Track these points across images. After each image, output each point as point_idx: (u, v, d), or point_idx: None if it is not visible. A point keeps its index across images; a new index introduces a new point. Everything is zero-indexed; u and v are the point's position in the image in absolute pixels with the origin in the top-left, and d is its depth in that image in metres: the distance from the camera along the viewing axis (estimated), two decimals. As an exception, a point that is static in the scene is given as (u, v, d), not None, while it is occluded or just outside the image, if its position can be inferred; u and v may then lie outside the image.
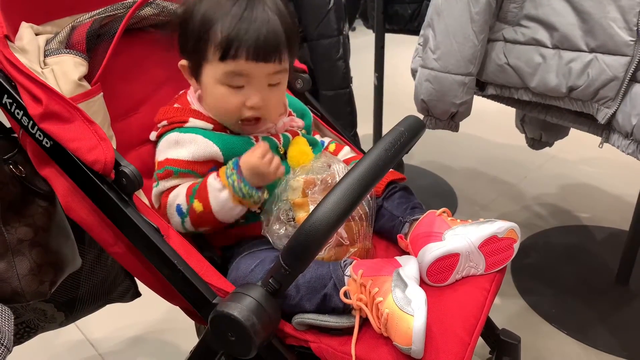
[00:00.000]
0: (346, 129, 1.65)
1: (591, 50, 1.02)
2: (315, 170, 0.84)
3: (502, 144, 2.52)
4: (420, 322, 0.65)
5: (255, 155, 0.79)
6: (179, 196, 0.81)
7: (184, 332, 1.50)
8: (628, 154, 1.02)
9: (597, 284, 1.63)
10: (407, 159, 2.50)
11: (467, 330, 0.73)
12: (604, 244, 1.83)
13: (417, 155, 2.42)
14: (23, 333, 1.02)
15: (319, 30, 1.48)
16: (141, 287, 1.18)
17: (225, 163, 0.84)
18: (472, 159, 2.42)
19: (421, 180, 2.26)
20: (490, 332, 1.06)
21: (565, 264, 1.72)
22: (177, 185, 0.83)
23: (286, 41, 0.82)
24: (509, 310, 1.54)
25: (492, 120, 2.66)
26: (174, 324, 1.52)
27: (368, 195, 0.87)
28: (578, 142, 2.24)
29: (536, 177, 2.26)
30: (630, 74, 0.99)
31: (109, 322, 1.52)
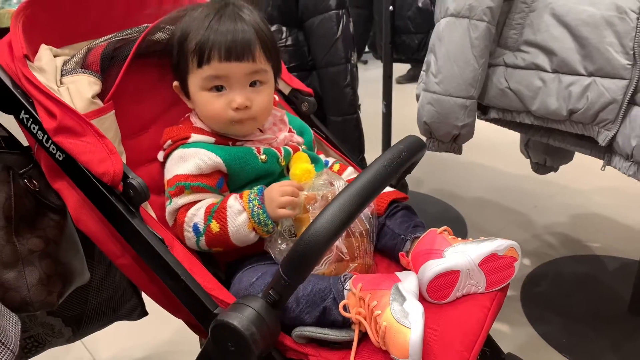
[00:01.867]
0: (354, 154, 1.68)
1: (590, 74, 1.04)
2: (317, 187, 0.86)
3: (513, 174, 2.52)
4: (417, 335, 0.65)
5: (283, 186, 0.82)
6: (196, 215, 0.83)
7: (191, 354, 1.50)
8: (629, 175, 1.03)
9: (609, 314, 1.60)
10: (417, 186, 2.52)
11: (466, 346, 0.73)
12: (615, 274, 1.80)
13: (427, 183, 2.43)
14: (31, 347, 1.03)
15: (327, 58, 1.53)
16: (149, 309, 1.19)
17: (229, 174, 0.86)
18: (482, 188, 2.42)
19: (431, 208, 2.26)
20: (495, 355, 1.04)
21: (576, 294, 1.69)
22: (191, 203, 0.84)
23: (258, 40, 0.86)
24: (518, 339, 1.52)
25: (504, 150, 2.67)
26: (181, 347, 1.52)
27: (369, 213, 0.89)
28: (589, 172, 2.23)
29: (547, 207, 2.24)
30: (628, 96, 1.00)
31: (116, 342, 1.53)
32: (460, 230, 2.08)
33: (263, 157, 0.89)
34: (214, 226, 0.82)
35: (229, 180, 0.88)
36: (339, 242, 0.83)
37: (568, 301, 1.66)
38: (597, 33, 0.99)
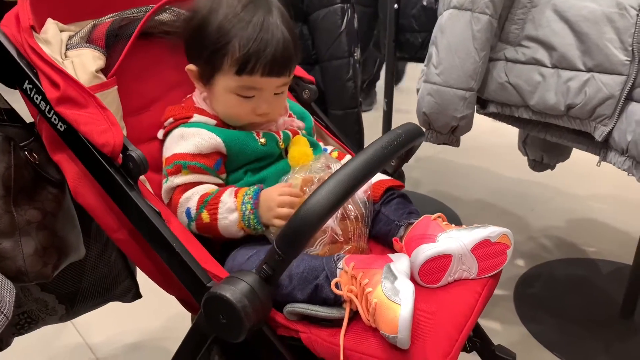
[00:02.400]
0: (353, 148, 1.69)
1: (588, 70, 1.05)
2: (314, 170, 0.87)
3: (512, 178, 2.53)
4: (406, 311, 0.66)
5: (282, 195, 0.82)
6: (190, 200, 0.84)
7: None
8: (624, 170, 1.04)
9: (601, 316, 1.61)
10: (415, 187, 2.53)
11: (456, 328, 0.74)
12: (608, 277, 1.81)
13: (425, 185, 2.44)
14: (24, 324, 1.04)
15: (330, 51, 1.54)
16: (143, 293, 1.20)
17: (228, 155, 0.87)
18: (480, 191, 2.43)
19: (428, 209, 2.23)
20: (486, 347, 1.05)
21: (569, 295, 1.70)
22: (187, 184, 0.85)
23: (295, 54, 0.87)
24: (510, 337, 1.52)
25: (502, 154, 2.68)
26: (174, 333, 1.51)
27: (365, 198, 0.90)
28: (587, 177, 2.25)
29: (543, 210, 2.25)
30: (626, 92, 1.02)
31: (108, 327, 1.53)
32: (457, 231, 2.08)
33: (262, 140, 0.90)
34: (205, 216, 0.83)
35: (227, 162, 0.89)
36: (334, 224, 0.84)
37: (561, 302, 1.66)
38: (597, 29, 1.01)
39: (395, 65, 1.87)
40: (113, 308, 1.19)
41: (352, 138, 1.62)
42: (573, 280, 1.78)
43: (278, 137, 0.92)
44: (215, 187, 0.86)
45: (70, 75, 0.76)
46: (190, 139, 0.86)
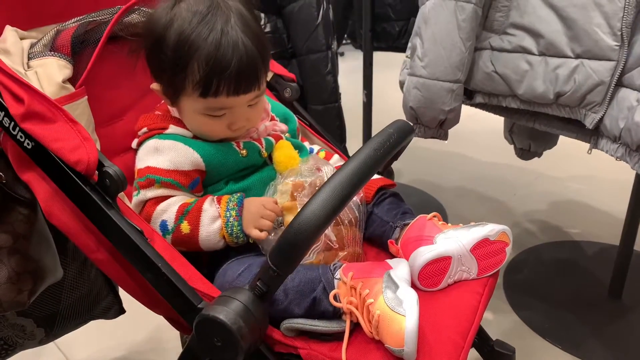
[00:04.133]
0: (336, 144, 1.66)
1: (577, 56, 1.03)
2: (304, 174, 0.83)
3: (491, 163, 2.53)
4: (412, 322, 0.63)
5: (266, 208, 0.78)
6: (166, 212, 0.79)
7: (169, 352, 1.46)
8: (617, 157, 1.02)
9: (590, 298, 1.62)
10: (397, 176, 2.49)
11: (461, 334, 0.71)
12: (595, 259, 1.82)
13: (407, 174, 2.42)
14: (0, 350, 0.98)
15: (307, 45, 1.50)
16: (126, 306, 1.15)
17: (207, 171, 0.83)
18: (461, 178, 2.42)
19: (411, 198, 2.25)
20: (484, 343, 1.04)
21: (557, 279, 1.71)
22: (160, 197, 0.80)
23: (262, 64, 0.80)
24: (502, 325, 1.52)
25: (480, 140, 2.69)
26: (159, 344, 1.47)
27: (358, 200, 0.86)
28: (566, 160, 2.26)
29: (525, 195, 2.26)
30: (616, 78, 1.00)
31: (92, 342, 1.47)
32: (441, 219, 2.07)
33: (244, 152, 0.85)
34: (185, 227, 0.78)
35: (206, 176, 0.84)
36: (328, 230, 0.80)
37: (550, 287, 1.67)
38: (584, 14, 0.98)
39: (372, 56, 1.83)
40: (95, 323, 1.14)
41: (333, 133, 1.58)
42: (560, 263, 1.80)
43: (260, 145, 0.87)
44: (193, 198, 0.82)
45: (34, 88, 0.70)
46: (165, 153, 0.81)
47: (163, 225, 0.79)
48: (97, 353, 1.46)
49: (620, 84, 1.01)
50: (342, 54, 4.56)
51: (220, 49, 0.75)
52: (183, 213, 0.78)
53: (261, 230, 0.78)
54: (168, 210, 0.79)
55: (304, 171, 0.83)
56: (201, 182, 0.84)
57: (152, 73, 0.84)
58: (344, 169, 0.66)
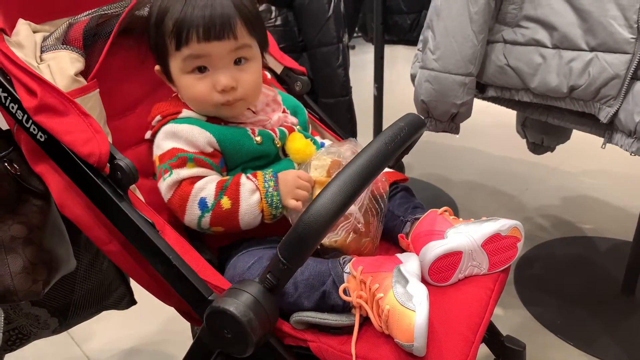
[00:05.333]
0: (346, 137, 1.65)
1: (591, 49, 1.01)
2: (342, 155, 0.83)
3: (503, 157, 2.51)
4: (422, 318, 0.63)
5: (301, 179, 0.80)
6: (204, 189, 0.78)
7: (181, 343, 1.46)
8: (632, 152, 1.01)
9: (602, 295, 1.60)
10: (407, 170, 2.49)
11: (471, 329, 0.71)
12: (607, 255, 1.80)
13: (418, 168, 2.41)
14: (15, 340, 0.99)
15: (318, 38, 1.49)
16: (137, 297, 1.16)
17: (222, 154, 0.82)
18: (473, 172, 2.41)
19: (422, 193, 2.24)
20: (494, 338, 1.03)
21: (569, 275, 1.69)
22: (195, 177, 0.79)
23: (238, 14, 0.79)
24: (513, 321, 1.51)
25: (493, 134, 2.66)
26: (171, 336, 1.49)
27: (382, 193, 0.85)
28: (580, 154, 2.24)
29: (538, 190, 2.24)
30: (632, 71, 0.98)
31: (104, 333, 1.49)
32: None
33: (258, 138, 0.85)
34: (225, 202, 0.77)
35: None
36: (358, 214, 0.80)
37: (561, 283, 1.66)
38: (599, 6, 0.97)
39: (383, 49, 1.82)
40: (107, 313, 1.15)
41: (344, 127, 1.57)
42: (572, 259, 1.78)
43: (274, 135, 0.87)
44: (227, 177, 0.82)
45: (47, 81, 0.71)
46: (182, 137, 0.80)
47: (202, 202, 0.78)
48: (109, 344, 1.48)
49: (635, 77, 0.99)
50: (352, 47, 4.54)
51: (188, 0, 0.78)
52: (222, 188, 0.78)
53: (298, 201, 0.78)
54: (206, 188, 0.78)
55: (343, 153, 0.83)
56: (225, 163, 0.84)
57: (152, 54, 0.86)
58: (354, 162, 0.66)
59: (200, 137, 0.80)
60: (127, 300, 1.16)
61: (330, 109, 1.55)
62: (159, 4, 0.81)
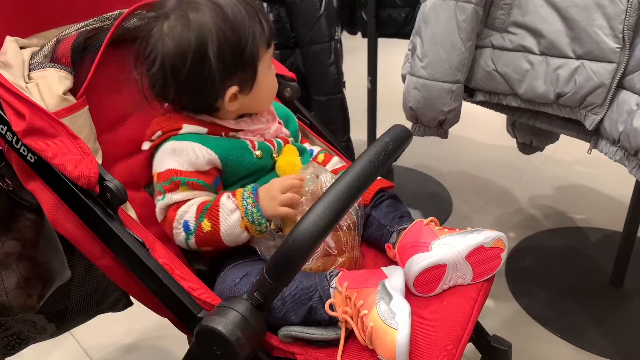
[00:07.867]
0: (339, 135, 1.66)
1: (578, 57, 1.02)
2: (304, 182, 0.84)
3: (496, 146, 2.51)
4: (403, 336, 0.65)
5: (285, 181, 0.81)
6: (187, 212, 0.80)
7: (179, 339, 1.49)
8: (616, 160, 1.02)
9: (591, 287, 1.63)
10: (400, 160, 2.50)
11: (453, 341, 0.73)
12: (598, 246, 1.83)
13: (410, 158, 2.42)
14: (14, 344, 1.02)
15: (310, 35, 1.49)
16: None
17: (223, 171, 0.84)
18: (466, 162, 2.41)
19: (414, 183, 2.26)
20: (481, 338, 1.05)
21: (559, 267, 1.72)
22: (185, 200, 0.81)
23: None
24: (502, 313, 1.54)
25: (485, 123, 2.65)
26: (169, 331, 1.49)
27: (356, 204, 0.87)
28: (573, 143, 2.24)
29: (531, 179, 2.25)
30: (616, 80, 0.99)
31: (103, 329, 1.52)
32: (445, 204, 2.08)
33: (258, 152, 0.86)
34: (205, 225, 0.79)
35: (223, 175, 0.85)
36: (327, 237, 0.81)
37: (552, 274, 1.68)
38: (586, 15, 0.97)
39: (376, 42, 1.81)
40: (106, 310, 1.18)
41: (337, 124, 1.58)
42: (563, 250, 1.80)
43: (272, 147, 0.88)
44: (212, 197, 0.83)
45: (35, 104, 0.71)
46: (183, 155, 0.81)
47: (185, 225, 0.80)
48: (108, 340, 1.51)
49: (620, 86, 1.00)
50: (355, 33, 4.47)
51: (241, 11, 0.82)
52: (202, 211, 0.79)
53: (288, 204, 0.79)
54: (189, 211, 0.80)
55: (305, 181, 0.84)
56: (221, 180, 0.85)
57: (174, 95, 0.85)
58: (338, 183, 0.67)
59: (201, 154, 0.81)
60: (123, 303, 1.18)
61: (323, 106, 1.56)
62: (210, 30, 0.79)
